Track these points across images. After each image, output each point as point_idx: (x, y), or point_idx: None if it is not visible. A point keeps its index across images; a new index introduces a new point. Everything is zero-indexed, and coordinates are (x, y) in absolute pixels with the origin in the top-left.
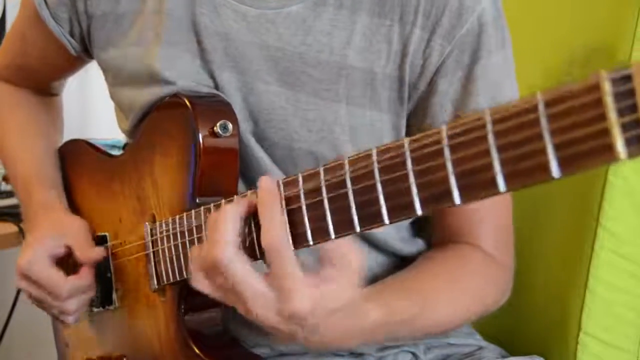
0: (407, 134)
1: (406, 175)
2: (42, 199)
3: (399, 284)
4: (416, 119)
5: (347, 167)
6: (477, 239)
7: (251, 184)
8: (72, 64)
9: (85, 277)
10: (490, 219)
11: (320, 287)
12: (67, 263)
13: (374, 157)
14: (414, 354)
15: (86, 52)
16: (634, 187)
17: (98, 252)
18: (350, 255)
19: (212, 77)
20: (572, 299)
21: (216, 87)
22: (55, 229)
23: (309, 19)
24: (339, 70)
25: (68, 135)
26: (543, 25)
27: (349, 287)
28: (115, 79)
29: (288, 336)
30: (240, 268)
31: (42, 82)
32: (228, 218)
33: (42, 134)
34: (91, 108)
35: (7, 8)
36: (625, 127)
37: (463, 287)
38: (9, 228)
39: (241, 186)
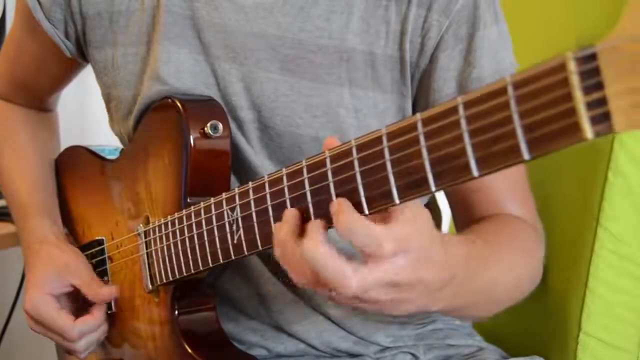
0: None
1: (384, 165)
2: (37, 231)
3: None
4: (421, 98)
5: (328, 160)
6: (504, 208)
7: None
8: (67, 69)
9: (96, 317)
10: (510, 184)
11: (405, 225)
12: (74, 298)
13: (354, 149)
14: (413, 354)
15: (81, 54)
16: (634, 187)
17: (109, 292)
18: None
19: (213, 69)
20: (572, 299)
21: (217, 79)
22: (55, 267)
23: (307, 5)
24: (339, 54)
25: (67, 143)
26: (537, 27)
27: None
28: (114, 80)
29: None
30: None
31: (37, 96)
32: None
33: (39, 157)
34: (89, 115)
35: (7, 8)
36: (590, 106)
37: (518, 243)
38: (9, 228)
39: (233, 185)
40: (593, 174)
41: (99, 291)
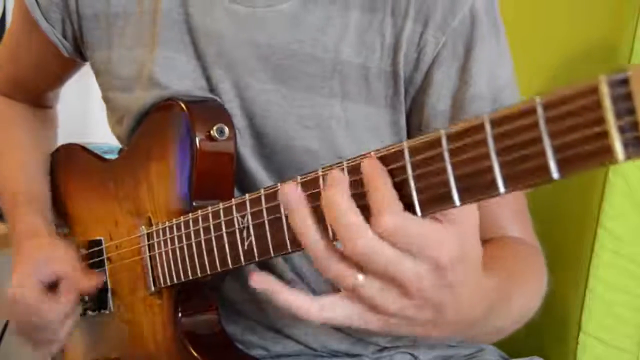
0: (408, 131)
1: (406, 180)
2: (28, 225)
3: None
4: (415, 114)
5: (345, 172)
6: (504, 230)
7: (242, 192)
8: (65, 67)
9: (70, 301)
10: (510, 205)
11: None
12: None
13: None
14: (412, 354)
15: (79, 54)
16: (634, 187)
17: (92, 282)
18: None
19: (207, 76)
20: (572, 299)
21: (210, 86)
22: (41, 253)
23: (300, 15)
24: (333, 66)
25: (68, 140)
26: (542, 24)
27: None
28: (110, 83)
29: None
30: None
31: (36, 92)
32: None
33: (35, 153)
34: (90, 112)
35: (7, 8)
36: (623, 130)
37: (528, 267)
38: (8, 228)
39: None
40: (593, 174)
41: (82, 280)
